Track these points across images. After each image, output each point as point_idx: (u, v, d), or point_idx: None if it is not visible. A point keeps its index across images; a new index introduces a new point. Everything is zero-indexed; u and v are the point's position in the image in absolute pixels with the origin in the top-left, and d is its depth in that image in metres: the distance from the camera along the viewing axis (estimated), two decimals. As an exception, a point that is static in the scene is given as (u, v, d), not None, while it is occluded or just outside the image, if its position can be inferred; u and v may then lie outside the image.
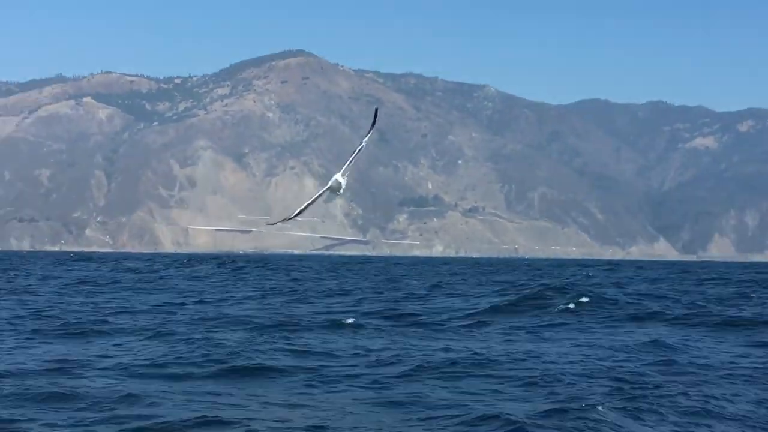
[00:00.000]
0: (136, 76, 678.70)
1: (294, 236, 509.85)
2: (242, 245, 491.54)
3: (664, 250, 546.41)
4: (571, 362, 25.64)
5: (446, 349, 28.19)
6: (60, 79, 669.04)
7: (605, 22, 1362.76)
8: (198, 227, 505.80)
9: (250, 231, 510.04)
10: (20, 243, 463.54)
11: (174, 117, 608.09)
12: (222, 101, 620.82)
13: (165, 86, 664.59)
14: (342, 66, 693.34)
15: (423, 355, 26.75)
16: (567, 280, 73.40)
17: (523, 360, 26.08)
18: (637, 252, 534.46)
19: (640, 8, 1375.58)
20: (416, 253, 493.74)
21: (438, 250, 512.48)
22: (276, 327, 34.33)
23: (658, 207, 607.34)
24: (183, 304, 47.85)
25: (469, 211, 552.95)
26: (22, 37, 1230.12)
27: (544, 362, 25.62)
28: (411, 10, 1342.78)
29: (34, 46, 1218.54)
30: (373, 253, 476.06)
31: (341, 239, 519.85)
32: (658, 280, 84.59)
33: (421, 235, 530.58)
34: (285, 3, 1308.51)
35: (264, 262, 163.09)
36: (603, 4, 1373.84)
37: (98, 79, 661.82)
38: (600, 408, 18.62)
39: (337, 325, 35.50)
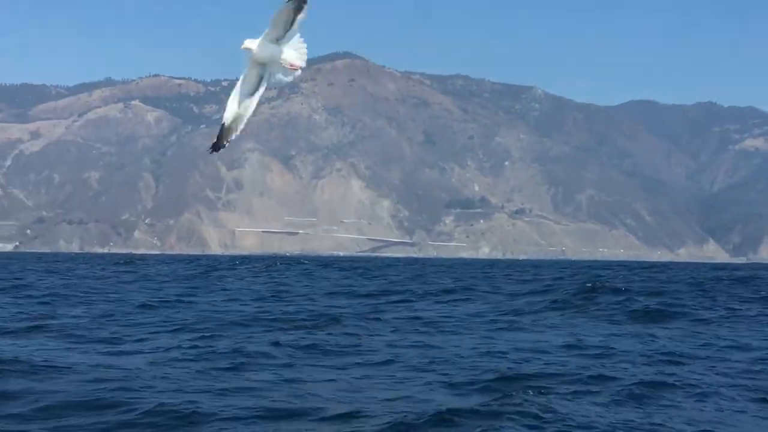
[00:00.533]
0: (184, 78, 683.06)
1: (340, 238, 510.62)
2: (289, 247, 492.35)
3: (713, 252, 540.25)
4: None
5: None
6: (109, 82, 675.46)
7: (653, 21, 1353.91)
8: (245, 229, 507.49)
9: (296, 233, 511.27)
10: (69, 245, 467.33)
11: (221, 119, 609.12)
12: (269, 104, 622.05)
13: (212, 89, 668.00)
14: (389, 68, 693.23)
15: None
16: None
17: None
18: (685, 254, 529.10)
19: (689, 7, 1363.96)
20: (463, 255, 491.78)
21: (484, 252, 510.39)
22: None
23: (708, 209, 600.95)
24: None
25: (516, 212, 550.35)
26: (72, 41, 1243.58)
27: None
28: (458, 11, 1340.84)
29: (83, 51, 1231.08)
30: (420, 255, 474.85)
31: (387, 241, 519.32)
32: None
33: (467, 237, 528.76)
34: (332, 5, 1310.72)
35: (325, 263, 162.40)
36: (651, 3, 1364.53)
37: (146, 83, 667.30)
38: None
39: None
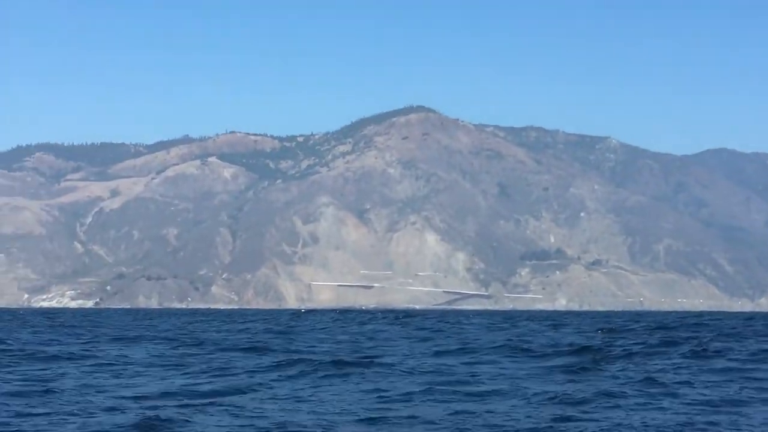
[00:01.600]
0: (260, 135, 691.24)
1: (416, 291, 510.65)
2: (364, 300, 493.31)
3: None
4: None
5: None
6: (186, 139, 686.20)
7: (728, 70, 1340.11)
8: (321, 283, 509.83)
9: (372, 286, 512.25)
10: (149, 300, 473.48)
11: (297, 174, 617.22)
12: (344, 158, 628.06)
13: (288, 144, 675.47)
14: (462, 121, 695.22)
15: None
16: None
17: None
18: (767, 303, 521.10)
19: (761, 57, 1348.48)
20: (539, 306, 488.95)
21: (561, 304, 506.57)
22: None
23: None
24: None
25: (593, 264, 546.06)
26: (151, 100, 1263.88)
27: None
28: (531, 63, 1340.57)
29: (161, 109, 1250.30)
30: (496, 308, 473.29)
31: (463, 293, 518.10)
32: None
33: (543, 288, 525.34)
34: (404, 59, 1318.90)
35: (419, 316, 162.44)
36: (724, 51, 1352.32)
37: (223, 139, 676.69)
38: None
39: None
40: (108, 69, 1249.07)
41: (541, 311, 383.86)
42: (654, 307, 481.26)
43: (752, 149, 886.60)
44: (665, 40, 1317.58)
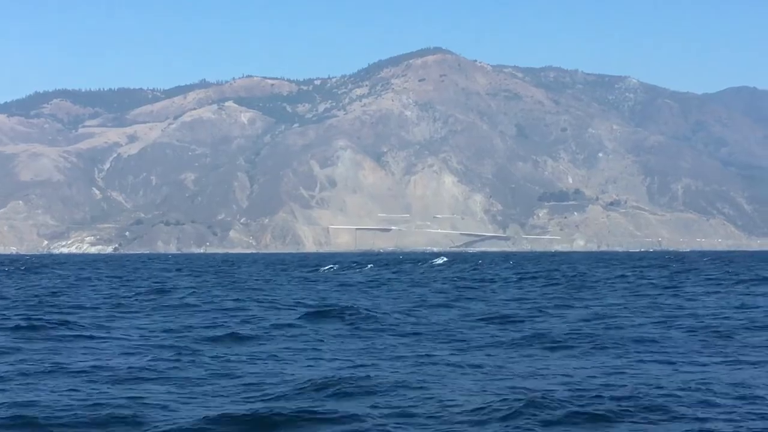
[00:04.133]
0: (277, 79, 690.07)
1: (434, 233, 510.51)
2: (382, 243, 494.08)
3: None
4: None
5: None
6: (203, 84, 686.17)
7: (748, 7, 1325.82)
8: (339, 227, 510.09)
9: (390, 229, 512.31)
10: (167, 246, 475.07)
11: (314, 118, 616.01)
12: (360, 101, 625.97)
13: (305, 88, 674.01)
14: (480, 62, 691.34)
15: None
16: None
17: None
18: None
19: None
20: (557, 248, 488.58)
21: (579, 245, 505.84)
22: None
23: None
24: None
25: (611, 204, 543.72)
26: (167, 45, 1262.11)
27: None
28: (549, 2, 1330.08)
29: (178, 54, 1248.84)
30: (513, 249, 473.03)
31: (481, 235, 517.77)
32: None
33: (561, 230, 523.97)
34: (421, 1, 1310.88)
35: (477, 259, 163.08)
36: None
37: (240, 84, 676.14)
38: None
39: None
40: (125, 14, 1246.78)
41: (557, 252, 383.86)
42: (672, 247, 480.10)
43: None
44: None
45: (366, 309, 41.76)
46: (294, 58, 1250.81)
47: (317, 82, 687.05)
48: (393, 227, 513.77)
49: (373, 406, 19.14)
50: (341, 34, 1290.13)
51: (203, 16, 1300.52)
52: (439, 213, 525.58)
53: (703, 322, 36.04)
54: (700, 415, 18.17)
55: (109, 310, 45.13)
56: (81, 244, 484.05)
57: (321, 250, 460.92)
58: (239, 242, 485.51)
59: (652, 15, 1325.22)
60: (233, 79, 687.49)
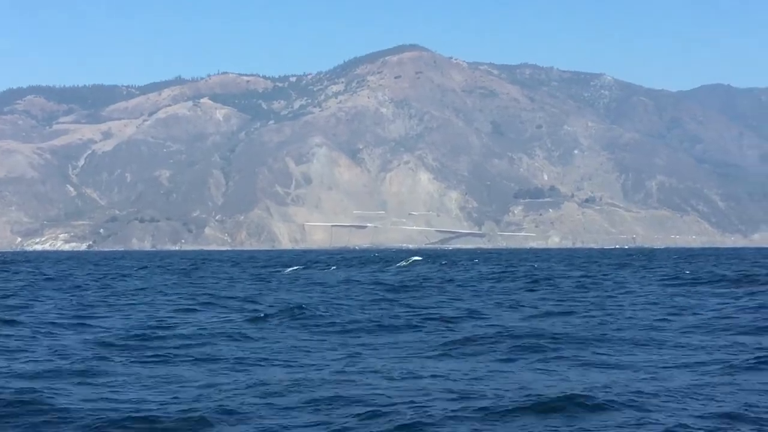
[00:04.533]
0: (252, 75, 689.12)
1: (409, 230, 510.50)
2: (358, 240, 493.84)
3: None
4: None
5: None
6: (178, 81, 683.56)
7: (723, 4, 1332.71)
8: (314, 223, 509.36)
9: (365, 226, 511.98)
10: (142, 243, 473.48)
11: (289, 115, 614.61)
12: (336, 98, 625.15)
13: (280, 85, 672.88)
14: (456, 59, 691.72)
15: None
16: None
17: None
18: (759, 239, 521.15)
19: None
20: (532, 245, 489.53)
21: (554, 242, 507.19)
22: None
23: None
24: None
25: (586, 201, 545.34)
26: (142, 41, 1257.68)
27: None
28: (523, 0, 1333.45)
29: (153, 51, 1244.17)
30: (489, 246, 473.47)
31: (457, 233, 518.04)
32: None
33: (536, 226, 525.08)
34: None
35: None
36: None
37: (215, 80, 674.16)
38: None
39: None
40: (99, 10, 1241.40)
41: (532, 249, 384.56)
42: (647, 244, 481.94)
43: (747, 84, 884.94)
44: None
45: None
46: (269, 54, 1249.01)
47: (293, 79, 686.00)
48: (368, 224, 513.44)
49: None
50: (317, 30, 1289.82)
51: (178, 12, 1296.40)
52: (414, 210, 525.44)
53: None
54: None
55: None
56: (55, 242, 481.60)
57: (296, 247, 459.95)
58: (214, 239, 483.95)
59: (627, 12, 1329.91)
60: (208, 75, 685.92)
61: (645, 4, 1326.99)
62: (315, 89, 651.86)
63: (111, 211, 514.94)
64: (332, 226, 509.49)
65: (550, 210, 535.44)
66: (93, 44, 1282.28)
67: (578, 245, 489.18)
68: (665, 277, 70.66)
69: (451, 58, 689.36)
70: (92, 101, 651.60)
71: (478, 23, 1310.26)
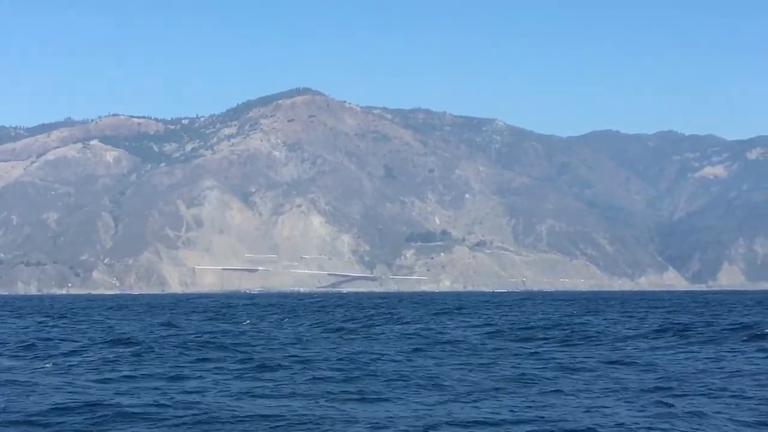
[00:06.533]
0: (144, 117, 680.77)
1: (300, 274, 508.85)
2: (249, 284, 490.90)
3: (673, 280, 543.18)
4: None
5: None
6: (68, 122, 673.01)
7: (613, 52, 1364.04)
8: (204, 267, 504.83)
9: (256, 270, 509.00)
10: (27, 287, 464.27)
11: (181, 158, 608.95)
12: (229, 141, 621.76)
13: (172, 127, 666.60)
14: (349, 103, 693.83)
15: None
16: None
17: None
18: (646, 282, 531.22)
19: (648, 40, 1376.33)
20: (424, 288, 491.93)
21: (446, 285, 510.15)
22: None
23: (668, 237, 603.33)
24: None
25: (477, 245, 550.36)
26: (31, 82, 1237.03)
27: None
28: (417, 45, 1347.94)
29: (42, 91, 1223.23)
30: (381, 289, 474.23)
31: (349, 276, 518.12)
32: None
33: (428, 270, 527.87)
34: (291, 41, 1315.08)
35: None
36: (609, 36, 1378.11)
37: (106, 122, 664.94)
38: None
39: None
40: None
41: (425, 293, 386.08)
42: (536, 287, 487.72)
43: (634, 131, 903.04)
44: (549, 21, 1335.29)
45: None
46: (161, 97, 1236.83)
47: (185, 122, 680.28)
48: (260, 267, 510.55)
49: None
50: (210, 73, 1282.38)
51: (67, 53, 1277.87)
52: (306, 253, 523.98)
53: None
54: None
55: None
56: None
57: (187, 291, 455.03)
58: (102, 283, 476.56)
59: (519, 58, 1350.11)
60: (99, 117, 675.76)
61: (535, 51, 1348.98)
62: (207, 132, 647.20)
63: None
64: (223, 269, 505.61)
65: (442, 254, 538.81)
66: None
67: (469, 288, 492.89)
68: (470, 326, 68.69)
69: (344, 102, 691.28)
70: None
71: (372, 68, 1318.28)
